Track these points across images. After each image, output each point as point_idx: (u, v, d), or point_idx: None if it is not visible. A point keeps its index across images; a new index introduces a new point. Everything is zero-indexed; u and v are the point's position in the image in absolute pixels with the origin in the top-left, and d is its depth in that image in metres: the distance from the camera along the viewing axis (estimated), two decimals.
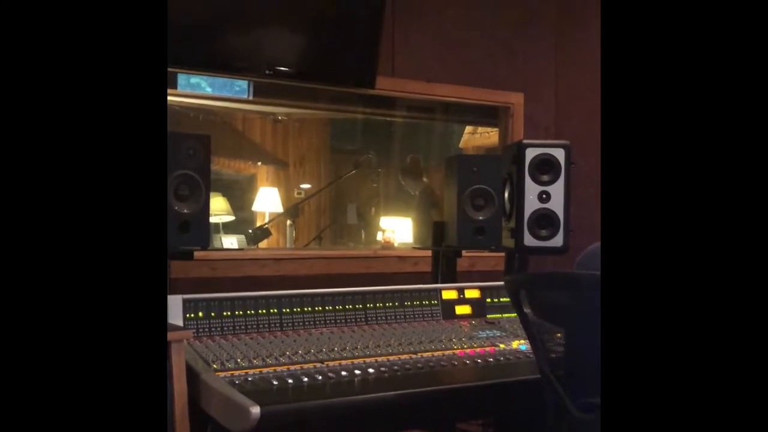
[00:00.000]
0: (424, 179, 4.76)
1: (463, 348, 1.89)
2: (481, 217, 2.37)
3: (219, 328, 1.83)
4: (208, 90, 3.10)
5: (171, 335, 1.60)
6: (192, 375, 1.60)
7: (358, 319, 2.02)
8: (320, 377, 1.59)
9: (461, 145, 5.13)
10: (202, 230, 1.88)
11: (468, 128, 4.97)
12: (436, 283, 2.46)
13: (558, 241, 1.94)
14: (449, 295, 2.19)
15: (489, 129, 4.28)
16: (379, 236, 4.57)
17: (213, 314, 1.84)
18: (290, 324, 1.92)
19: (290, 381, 1.55)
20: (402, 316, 2.08)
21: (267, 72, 2.76)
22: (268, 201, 5.14)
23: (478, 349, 1.88)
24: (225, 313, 1.85)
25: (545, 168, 1.92)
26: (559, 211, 1.91)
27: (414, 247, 3.87)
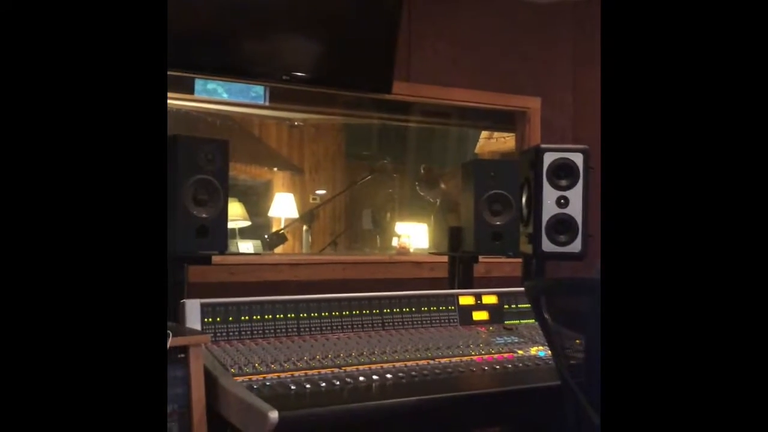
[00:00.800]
0: (442, 186, 4.75)
1: (480, 354, 1.87)
2: (498, 223, 2.36)
3: (237, 333, 1.84)
4: (225, 96, 3.12)
5: (189, 339, 1.61)
6: (210, 379, 1.60)
7: (375, 325, 2.01)
8: (338, 382, 1.58)
9: (477, 150, 5.12)
10: (220, 235, 1.89)
11: (484, 133, 4.95)
12: (453, 288, 2.45)
13: (576, 246, 1.93)
14: (466, 300, 2.18)
15: (505, 134, 4.27)
16: (395, 242, 4.56)
17: (231, 318, 1.84)
18: (307, 329, 1.92)
19: (308, 386, 1.55)
20: (419, 322, 2.07)
21: (283, 77, 2.77)
22: (283, 206, 5.16)
23: (496, 356, 1.87)
24: (243, 318, 1.86)
25: (563, 173, 1.91)
26: (578, 217, 1.90)
27: (430, 253, 3.86)
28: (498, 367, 1.79)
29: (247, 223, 4.87)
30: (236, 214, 4.62)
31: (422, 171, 4.84)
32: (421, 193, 4.82)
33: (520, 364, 1.82)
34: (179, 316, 1.80)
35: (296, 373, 1.63)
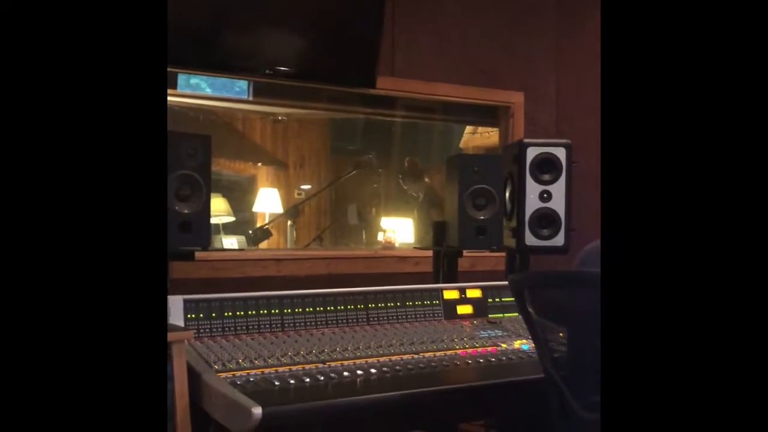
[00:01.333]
0: (426, 180, 4.75)
1: (465, 348, 1.88)
2: (482, 217, 2.36)
3: (220, 329, 1.83)
4: (208, 90, 3.10)
5: (172, 336, 1.60)
6: (193, 375, 1.60)
7: (360, 320, 2.01)
8: (322, 378, 1.58)
9: (461, 145, 5.12)
10: (203, 230, 1.88)
11: (468, 128, 4.96)
12: (438, 283, 2.46)
13: (559, 240, 1.93)
14: (451, 295, 2.19)
15: (489, 129, 4.28)
16: (380, 236, 4.56)
17: (214, 315, 1.84)
18: (291, 324, 1.92)
19: (292, 381, 1.55)
20: (404, 316, 2.07)
21: (267, 72, 2.75)
22: (268, 202, 5.14)
23: (480, 349, 1.88)
24: (226, 314, 1.85)
25: (546, 167, 1.92)
26: (561, 211, 1.90)
27: (415, 247, 3.87)
28: (482, 360, 1.80)
29: (231, 219, 4.84)
30: (220, 210, 4.59)
31: (406, 164, 4.84)
32: (405, 187, 4.83)
33: (504, 358, 1.83)
34: None
35: (280, 369, 1.62)
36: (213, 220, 4.38)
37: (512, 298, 1.63)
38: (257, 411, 1.36)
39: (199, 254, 1.96)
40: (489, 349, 1.89)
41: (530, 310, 1.44)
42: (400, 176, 4.87)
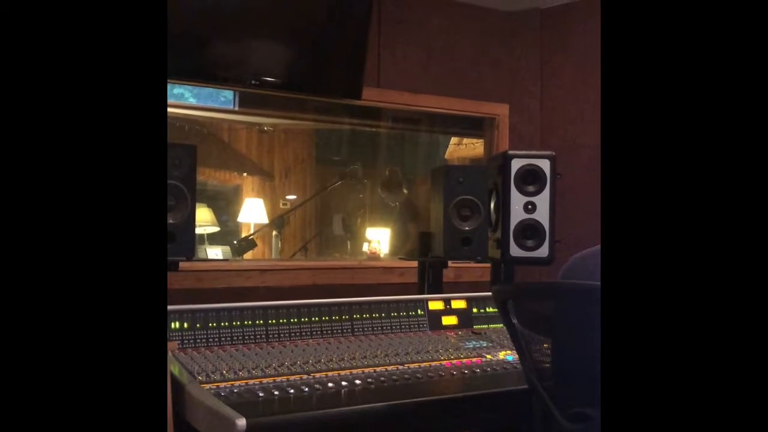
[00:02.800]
0: (404, 191, 4.77)
1: (449, 359, 1.88)
2: (467, 228, 2.37)
3: (204, 340, 1.81)
4: (193, 100, 3.09)
5: None
6: (177, 387, 1.58)
7: (345, 330, 2.01)
8: (306, 389, 1.57)
9: (447, 156, 5.14)
10: (188, 240, 1.87)
11: (453, 139, 4.98)
12: (422, 293, 2.46)
13: (544, 251, 1.95)
14: (436, 305, 2.19)
15: (474, 140, 4.30)
16: (365, 247, 4.57)
17: (198, 325, 1.82)
18: (276, 335, 1.91)
19: (276, 393, 1.54)
20: (388, 327, 2.07)
21: (253, 82, 2.76)
22: (253, 212, 5.13)
23: (464, 360, 1.88)
24: (210, 324, 1.84)
25: (531, 179, 1.94)
26: (545, 222, 1.92)
27: (400, 258, 3.87)
28: (466, 371, 1.80)
29: (216, 229, 4.83)
30: (204, 220, 4.58)
31: (387, 173, 4.85)
32: (382, 195, 4.84)
33: (489, 369, 1.83)
34: None
35: (264, 380, 1.61)
36: (198, 230, 4.36)
37: (497, 309, 1.63)
38: (241, 423, 1.35)
39: (183, 264, 1.95)
40: (474, 360, 1.89)
41: (514, 321, 1.44)
42: (379, 184, 4.89)
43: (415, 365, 1.81)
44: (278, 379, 1.63)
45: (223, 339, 1.84)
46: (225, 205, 5.36)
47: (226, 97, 3.09)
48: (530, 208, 1.87)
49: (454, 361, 1.86)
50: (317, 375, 1.67)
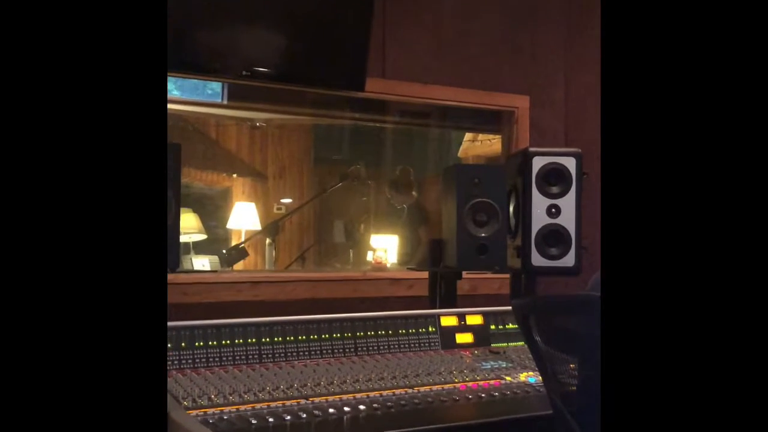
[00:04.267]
0: (414, 193, 4.78)
1: (465, 381, 1.88)
2: (483, 234, 2.38)
3: (191, 361, 1.82)
4: (177, 93, 3.10)
5: None
6: None
7: (347, 350, 2.01)
8: (304, 415, 1.58)
9: (460, 154, 5.16)
10: (171, 250, 1.88)
11: (468, 135, 5.00)
12: (434, 308, 2.46)
13: (569, 260, 1.95)
14: (449, 321, 2.19)
15: (491, 136, 4.31)
16: (370, 256, 4.57)
17: (183, 345, 1.83)
18: (270, 355, 1.91)
19: (271, 420, 1.54)
20: (396, 346, 2.08)
21: (244, 73, 2.77)
22: (244, 217, 5.15)
23: (481, 383, 1.88)
24: (197, 344, 1.85)
25: (554, 179, 1.94)
26: (571, 227, 1.92)
27: (408, 268, 3.88)
28: (484, 395, 1.80)
29: (203, 237, 4.85)
30: (190, 227, 4.60)
31: (398, 172, 4.87)
32: (389, 196, 4.86)
33: (508, 392, 1.83)
34: None
35: (258, 406, 1.62)
36: (182, 239, 4.39)
37: (517, 326, 1.63)
38: None
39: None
40: (491, 382, 1.89)
41: (537, 338, 1.44)
42: (387, 183, 4.90)
43: (426, 388, 1.82)
44: (273, 404, 1.64)
45: (211, 360, 1.84)
46: (213, 210, 5.39)
47: (213, 89, 3.10)
48: (554, 211, 1.87)
49: (470, 384, 1.87)
50: (316, 400, 1.68)
